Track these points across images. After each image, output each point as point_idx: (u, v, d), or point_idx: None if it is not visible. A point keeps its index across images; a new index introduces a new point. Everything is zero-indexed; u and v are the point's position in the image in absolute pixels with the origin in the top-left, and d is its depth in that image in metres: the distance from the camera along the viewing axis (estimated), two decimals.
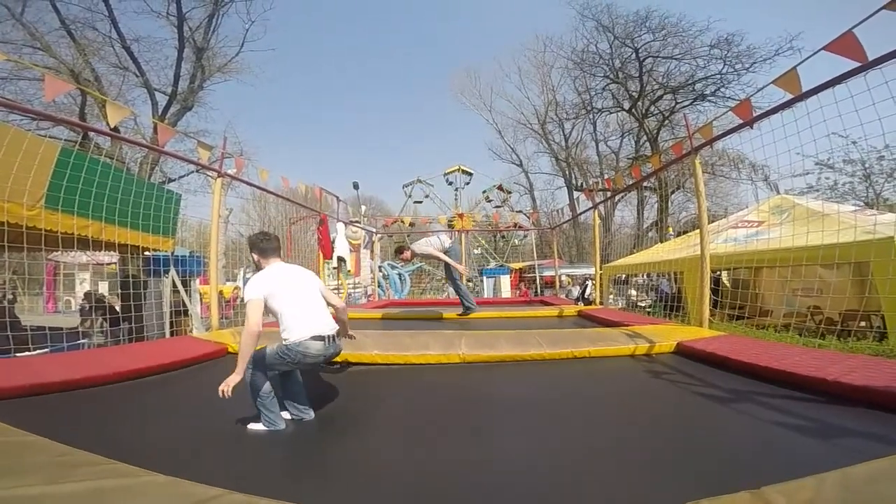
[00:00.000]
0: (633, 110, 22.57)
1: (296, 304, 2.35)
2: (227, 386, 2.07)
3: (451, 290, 18.63)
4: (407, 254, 6.31)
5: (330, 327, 2.40)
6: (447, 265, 6.18)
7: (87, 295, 7.71)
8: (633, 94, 22.36)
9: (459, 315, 6.37)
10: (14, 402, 2.25)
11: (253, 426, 2.20)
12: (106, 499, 1.12)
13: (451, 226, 19.75)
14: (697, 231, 5.08)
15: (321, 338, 2.32)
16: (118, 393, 2.68)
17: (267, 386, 2.23)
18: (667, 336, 3.79)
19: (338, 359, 3.53)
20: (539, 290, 17.29)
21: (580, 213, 10.17)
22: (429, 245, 6.24)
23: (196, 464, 1.66)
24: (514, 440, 1.97)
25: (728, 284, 8.94)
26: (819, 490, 1.15)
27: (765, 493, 1.14)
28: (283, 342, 2.29)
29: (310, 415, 2.35)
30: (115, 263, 9.45)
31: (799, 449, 1.70)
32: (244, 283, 9.30)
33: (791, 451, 1.69)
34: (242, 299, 2.33)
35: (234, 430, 2.13)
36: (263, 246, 2.49)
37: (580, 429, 2.11)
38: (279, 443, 2.02)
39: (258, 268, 2.50)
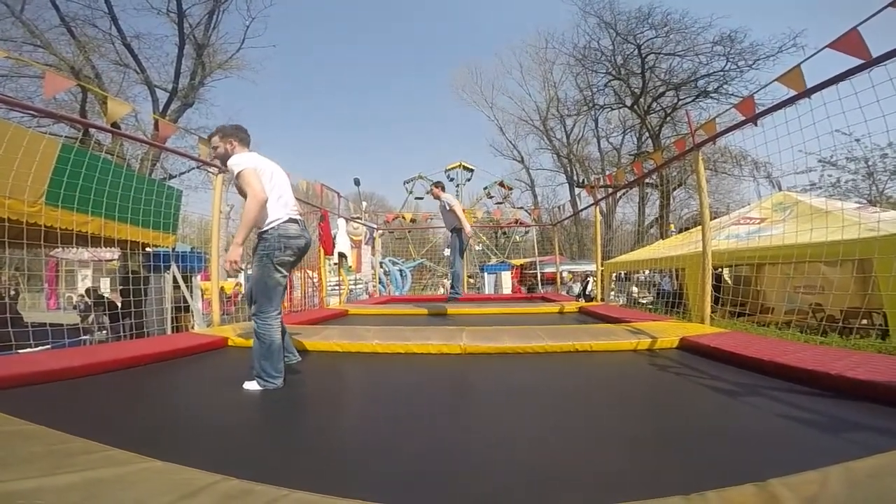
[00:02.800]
0: (635, 107, 22.48)
1: (274, 189, 2.40)
2: (229, 261, 2.18)
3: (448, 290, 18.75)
4: (439, 191, 6.29)
5: (299, 213, 2.53)
6: (456, 236, 6.17)
7: (87, 291, 7.71)
8: (636, 90, 22.27)
9: (448, 301, 6.51)
10: (12, 391, 2.25)
11: (248, 385, 2.31)
12: (103, 488, 1.12)
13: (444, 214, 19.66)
14: (699, 228, 5.07)
15: (295, 220, 2.44)
16: (117, 381, 2.67)
17: (277, 334, 2.36)
18: (669, 332, 3.78)
19: (337, 349, 3.57)
20: (533, 287, 17.36)
21: (581, 210, 10.16)
22: (456, 201, 6.28)
23: (194, 450, 1.66)
24: (514, 429, 1.96)
25: (730, 281, 8.93)
26: (824, 483, 1.14)
27: (770, 485, 1.13)
28: (263, 232, 2.35)
29: (297, 357, 2.66)
30: (117, 260, 9.48)
31: (804, 442, 1.69)
32: (245, 280, 9.30)
33: (796, 445, 1.67)
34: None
35: (233, 417, 2.12)
36: (242, 136, 2.52)
37: (583, 419, 2.10)
38: (277, 429, 2.02)
39: (225, 161, 2.49)
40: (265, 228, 2.37)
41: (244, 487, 1.15)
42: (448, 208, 6.12)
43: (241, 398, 2.32)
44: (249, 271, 2.60)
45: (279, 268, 2.34)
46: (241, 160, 2.35)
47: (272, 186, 2.39)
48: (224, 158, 2.47)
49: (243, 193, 2.36)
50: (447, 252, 21.28)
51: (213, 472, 1.23)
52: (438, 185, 6.47)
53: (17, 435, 1.47)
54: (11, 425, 1.56)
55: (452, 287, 6.47)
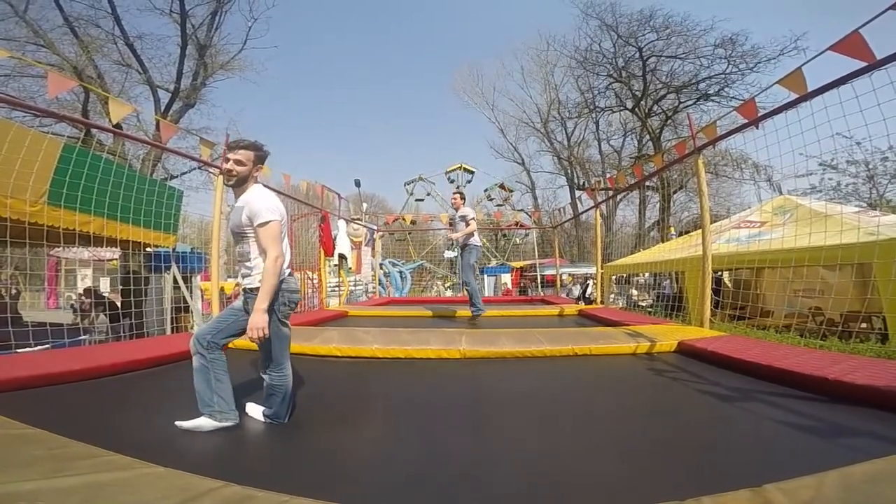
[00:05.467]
0: (636, 109, 22.47)
1: (283, 238, 2.14)
2: (257, 329, 1.90)
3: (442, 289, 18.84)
4: (460, 202, 5.95)
5: None
6: (466, 253, 5.78)
7: (86, 291, 7.72)
8: (637, 93, 22.27)
9: (470, 320, 5.76)
10: (13, 394, 2.25)
11: (260, 416, 2.11)
12: (104, 492, 1.12)
13: (451, 224, 19.76)
14: (699, 231, 5.07)
15: (291, 273, 2.24)
16: (118, 384, 2.68)
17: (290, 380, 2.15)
18: (668, 335, 3.79)
19: (337, 353, 3.58)
20: (525, 290, 17.46)
21: (582, 212, 10.15)
22: (473, 216, 5.92)
23: (195, 456, 1.67)
24: (513, 434, 1.97)
25: (729, 285, 8.92)
26: (819, 489, 1.15)
27: (766, 490, 1.14)
28: (255, 284, 2.06)
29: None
30: (117, 259, 9.49)
31: (800, 447, 1.69)
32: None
33: (792, 450, 1.68)
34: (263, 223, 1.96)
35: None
36: (264, 156, 2.19)
37: (581, 424, 2.11)
38: (277, 435, 2.03)
39: (240, 182, 2.11)
40: (257, 285, 2.08)
41: (246, 493, 1.16)
42: (466, 221, 5.72)
43: (242, 403, 2.30)
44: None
45: (285, 321, 2.16)
46: (272, 205, 2.04)
47: (283, 236, 2.13)
48: (240, 180, 2.10)
49: (242, 233, 2.08)
50: (447, 254, 21.34)
51: (214, 477, 1.24)
52: (463, 196, 6.16)
53: (19, 438, 1.48)
54: (13, 429, 1.57)
55: (473, 305, 5.72)
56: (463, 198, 6.10)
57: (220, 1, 15.64)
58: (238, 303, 2.18)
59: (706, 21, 20.30)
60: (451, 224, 6.30)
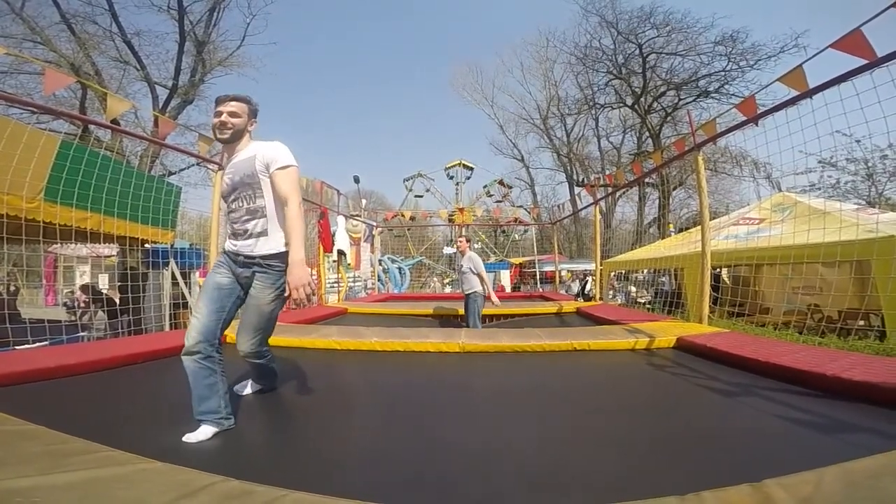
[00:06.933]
0: (636, 106, 22.44)
1: None
2: (304, 286, 1.71)
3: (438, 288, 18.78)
4: (466, 246, 5.97)
5: None
6: (472, 297, 5.61)
7: (83, 288, 7.70)
8: (636, 90, 22.23)
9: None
10: (10, 389, 2.25)
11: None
12: (101, 488, 1.12)
13: (451, 220, 19.78)
14: (698, 228, 5.07)
15: None
16: (116, 379, 2.68)
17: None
18: (666, 332, 3.80)
19: (336, 347, 3.59)
20: (518, 286, 17.52)
21: (581, 209, 10.15)
22: (481, 263, 5.83)
23: (193, 451, 1.66)
24: (512, 428, 1.97)
25: (728, 281, 8.94)
26: (819, 484, 1.14)
27: (765, 486, 1.14)
28: (275, 255, 1.90)
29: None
30: (115, 256, 9.47)
31: (799, 443, 1.70)
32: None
33: (791, 445, 1.68)
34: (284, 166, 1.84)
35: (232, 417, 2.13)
36: (256, 109, 2.04)
37: (580, 419, 2.11)
38: (275, 429, 2.03)
39: (235, 136, 1.95)
40: (279, 251, 1.90)
41: (244, 488, 1.15)
42: (474, 271, 5.65)
43: (239, 397, 2.32)
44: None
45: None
46: (289, 152, 1.92)
47: None
48: (235, 133, 1.93)
49: (253, 184, 1.87)
50: (446, 250, 21.33)
51: (212, 472, 1.24)
52: (468, 241, 6.07)
53: (16, 434, 1.47)
54: (10, 425, 1.56)
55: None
56: (469, 244, 6.04)
57: None
58: (219, 280, 1.93)
59: (706, 18, 20.34)
60: (455, 268, 6.15)
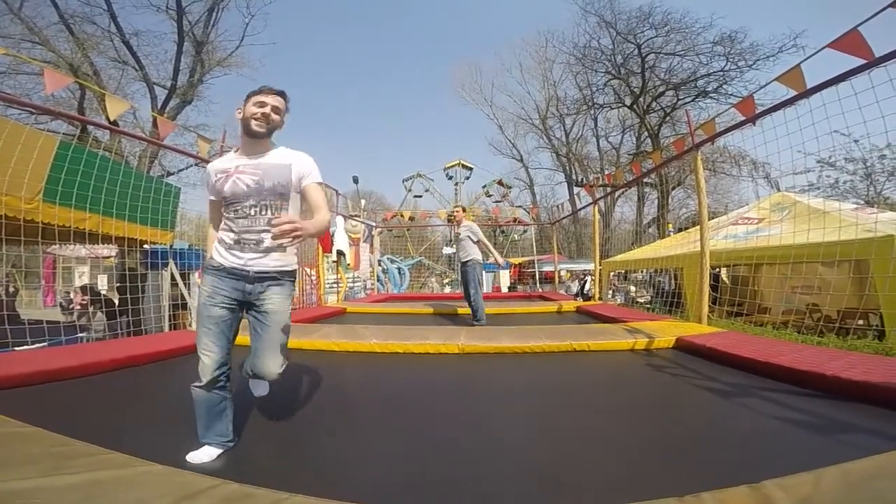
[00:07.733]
0: (635, 106, 22.46)
1: None
2: (295, 226, 1.50)
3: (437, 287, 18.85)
4: (462, 215, 5.85)
5: None
6: (470, 265, 5.49)
7: (82, 289, 7.69)
8: (635, 90, 22.25)
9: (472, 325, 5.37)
10: (11, 391, 2.24)
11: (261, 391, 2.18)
12: (102, 490, 1.12)
13: (450, 220, 19.78)
14: (697, 227, 5.07)
15: None
16: (115, 381, 2.68)
17: None
18: (665, 332, 3.80)
19: (335, 348, 3.59)
20: (513, 286, 17.51)
21: (580, 209, 10.15)
22: (480, 231, 5.68)
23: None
24: (511, 429, 1.97)
25: (727, 281, 8.94)
26: (818, 485, 1.15)
27: (764, 486, 1.14)
28: (289, 268, 1.82)
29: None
30: (114, 257, 9.46)
31: (798, 443, 1.70)
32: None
33: (790, 446, 1.68)
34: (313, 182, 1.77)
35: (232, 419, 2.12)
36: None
37: (580, 419, 2.11)
38: (275, 432, 2.02)
39: (269, 133, 1.81)
40: (294, 268, 1.85)
41: (244, 491, 1.16)
42: (473, 239, 5.52)
43: (239, 400, 2.30)
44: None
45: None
46: (317, 168, 1.83)
47: None
48: (270, 130, 1.79)
49: (284, 195, 1.74)
50: (445, 250, 21.32)
51: (212, 475, 1.24)
52: (464, 209, 6.05)
53: (17, 436, 1.47)
54: (10, 427, 1.56)
55: (476, 317, 5.40)
56: (465, 216, 5.95)
57: None
58: (220, 312, 1.71)
59: (705, 18, 20.42)
60: (453, 240, 6.15)
